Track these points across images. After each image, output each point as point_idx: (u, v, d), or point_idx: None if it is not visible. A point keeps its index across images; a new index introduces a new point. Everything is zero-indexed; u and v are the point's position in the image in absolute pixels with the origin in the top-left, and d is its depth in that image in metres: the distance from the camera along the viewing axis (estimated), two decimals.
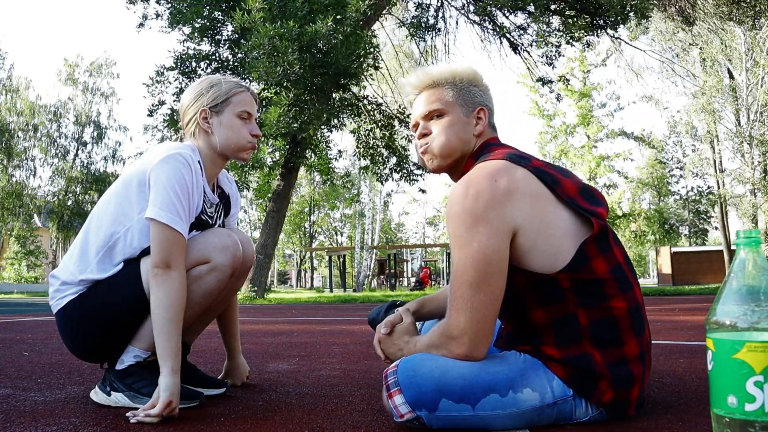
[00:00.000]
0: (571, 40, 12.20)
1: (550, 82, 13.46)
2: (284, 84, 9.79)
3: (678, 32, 16.90)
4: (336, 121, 12.70)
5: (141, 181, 1.54)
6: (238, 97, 1.67)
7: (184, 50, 11.40)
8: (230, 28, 11.22)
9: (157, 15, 11.64)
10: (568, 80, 14.59)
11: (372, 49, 11.06)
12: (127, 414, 1.40)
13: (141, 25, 11.83)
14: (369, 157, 14.03)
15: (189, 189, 1.54)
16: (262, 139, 11.50)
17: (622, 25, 11.67)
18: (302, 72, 9.47)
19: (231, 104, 1.66)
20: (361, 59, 10.57)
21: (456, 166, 1.43)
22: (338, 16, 9.63)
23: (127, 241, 1.56)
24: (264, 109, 9.98)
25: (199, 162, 1.61)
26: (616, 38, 12.30)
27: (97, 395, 1.60)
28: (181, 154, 1.54)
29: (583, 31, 11.79)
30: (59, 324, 1.62)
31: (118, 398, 1.56)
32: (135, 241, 1.56)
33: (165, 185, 1.50)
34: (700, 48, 20.01)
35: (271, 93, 10.29)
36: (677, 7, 13.34)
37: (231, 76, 1.76)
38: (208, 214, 1.70)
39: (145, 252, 1.56)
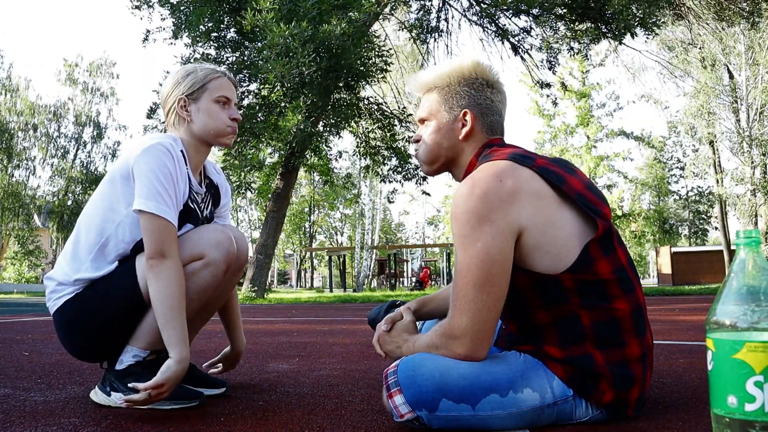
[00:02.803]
0: (572, 48, 12.20)
1: (549, 85, 13.47)
2: (300, 87, 9.76)
3: (675, 28, 16.86)
4: (343, 123, 12.72)
5: (125, 174, 1.54)
6: (215, 83, 1.66)
7: (190, 54, 11.39)
8: (234, 30, 11.21)
9: (162, 19, 11.60)
10: (566, 86, 14.61)
11: (384, 52, 11.06)
12: (119, 401, 1.41)
13: (146, 39, 11.79)
14: (370, 157, 14.01)
15: (173, 176, 1.54)
16: (271, 142, 11.49)
17: (628, 36, 11.61)
18: (318, 75, 9.46)
19: (208, 90, 1.65)
20: (372, 60, 10.57)
21: (444, 169, 1.45)
22: (347, 17, 9.61)
23: (119, 237, 1.57)
24: (278, 117, 9.97)
25: (182, 151, 1.61)
26: (616, 41, 12.30)
27: (97, 396, 1.60)
28: (161, 143, 1.54)
29: (587, 38, 11.77)
30: (56, 324, 1.62)
31: (118, 398, 1.55)
32: (127, 236, 1.56)
33: (148, 175, 1.50)
34: (700, 48, 20.00)
35: (278, 95, 10.27)
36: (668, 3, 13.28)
37: (208, 63, 1.75)
38: (197, 203, 1.70)
39: (138, 246, 1.56)
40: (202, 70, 1.67)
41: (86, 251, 1.57)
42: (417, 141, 1.46)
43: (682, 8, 13.90)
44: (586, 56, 12.54)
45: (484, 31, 13.85)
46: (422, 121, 1.45)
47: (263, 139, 11.08)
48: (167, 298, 1.46)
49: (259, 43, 9.12)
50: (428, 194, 15.37)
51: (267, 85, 10.10)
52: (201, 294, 1.58)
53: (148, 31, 11.79)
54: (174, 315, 1.46)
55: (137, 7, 11.75)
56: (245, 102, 11.87)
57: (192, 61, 11.19)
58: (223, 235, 1.60)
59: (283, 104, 10.30)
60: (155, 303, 1.47)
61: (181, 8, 10.91)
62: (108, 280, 1.55)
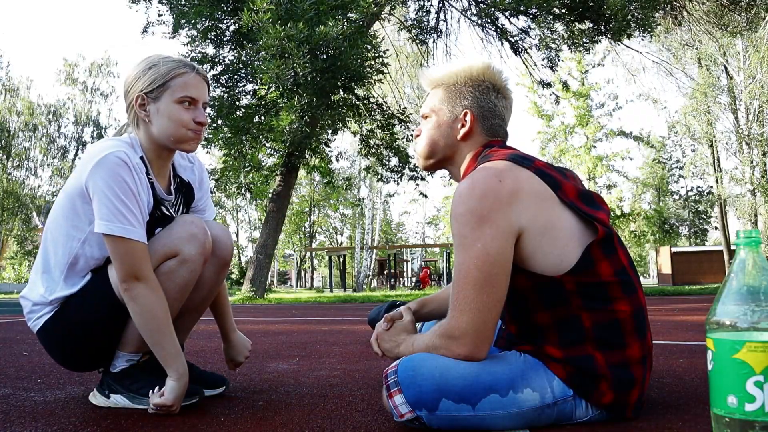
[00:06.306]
0: (572, 46, 12.21)
1: (550, 85, 13.48)
2: (296, 88, 9.77)
3: (674, 31, 16.88)
4: (341, 124, 12.72)
5: (81, 192, 1.43)
6: (178, 80, 1.48)
7: (188, 53, 11.38)
8: (233, 29, 11.23)
9: (159, 15, 11.64)
10: (568, 86, 14.61)
11: (381, 53, 11.07)
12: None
13: (145, 31, 11.86)
14: (373, 156, 13.99)
15: (133, 189, 1.42)
16: (269, 143, 11.49)
17: (625, 37, 11.62)
18: (313, 75, 9.47)
19: (170, 89, 1.48)
20: (369, 62, 10.57)
21: (439, 166, 1.47)
22: (345, 18, 9.62)
23: (88, 254, 1.50)
24: (273, 117, 9.97)
25: (142, 158, 1.51)
26: (615, 41, 12.29)
27: (96, 398, 1.59)
28: (115, 154, 1.40)
29: (585, 38, 11.78)
30: (43, 342, 1.59)
31: (117, 399, 1.55)
32: (96, 252, 1.50)
33: (106, 193, 1.38)
34: (696, 48, 19.99)
35: (276, 95, 10.27)
36: (668, 7, 13.27)
37: (176, 55, 1.60)
38: (169, 212, 1.62)
39: (110, 259, 1.49)
40: (166, 63, 1.50)
41: (58, 271, 1.51)
42: (418, 135, 1.48)
43: (681, 13, 13.90)
44: (588, 50, 12.50)
45: (483, 31, 13.85)
46: (425, 116, 1.46)
47: (260, 140, 11.08)
48: (149, 321, 1.42)
49: (257, 44, 9.10)
50: (425, 196, 15.29)
51: (263, 86, 10.10)
52: (181, 292, 1.53)
53: (148, 23, 11.82)
54: (161, 335, 1.43)
55: (134, 1, 11.77)
56: (243, 102, 11.88)
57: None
58: (195, 226, 1.50)
59: (279, 104, 10.30)
60: (139, 326, 1.43)
61: (180, 4, 10.94)
62: (83, 294, 1.51)
